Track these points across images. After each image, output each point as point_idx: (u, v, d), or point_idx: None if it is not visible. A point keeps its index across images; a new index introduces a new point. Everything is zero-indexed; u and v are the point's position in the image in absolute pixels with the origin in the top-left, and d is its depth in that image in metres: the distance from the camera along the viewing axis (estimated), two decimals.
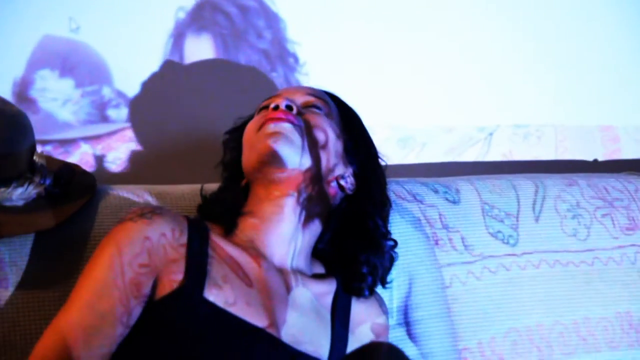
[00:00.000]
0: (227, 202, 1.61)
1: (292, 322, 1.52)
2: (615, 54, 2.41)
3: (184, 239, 1.49)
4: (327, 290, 1.60)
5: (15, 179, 1.60)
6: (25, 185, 1.61)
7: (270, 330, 1.47)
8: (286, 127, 1.56)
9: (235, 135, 1.69)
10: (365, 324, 1.61)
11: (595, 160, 2.38)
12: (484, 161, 2.36)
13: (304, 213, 1.57)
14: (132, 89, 2.10)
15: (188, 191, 1.79)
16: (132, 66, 2.09)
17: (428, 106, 2.31)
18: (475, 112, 2.34)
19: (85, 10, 2.01)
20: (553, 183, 1.96)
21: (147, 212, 1.49)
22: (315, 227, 1.60)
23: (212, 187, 1.71)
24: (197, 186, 1.73)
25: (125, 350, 1.42)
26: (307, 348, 1.50)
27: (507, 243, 1.86)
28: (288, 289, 1.54)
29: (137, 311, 1.43)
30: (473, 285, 1.83)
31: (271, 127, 1.56)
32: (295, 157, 1.55)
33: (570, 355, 1.82)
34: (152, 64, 2.11)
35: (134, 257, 1.44)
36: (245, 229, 1.57)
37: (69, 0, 2.00)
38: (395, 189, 1.87)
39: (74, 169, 1.72)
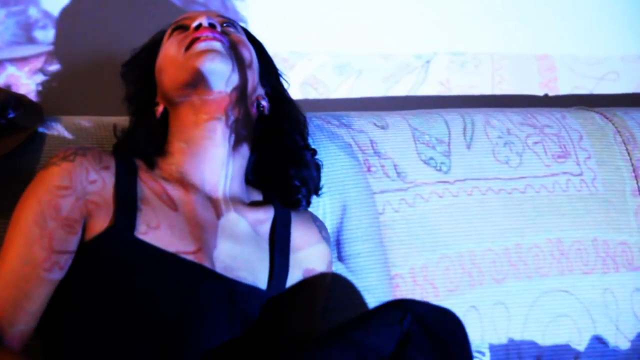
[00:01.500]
0: (145, 136, 1.58)
1: (224, 250, 1.50)
2: None
3: (111, 179, 1.47)
4: (264, 217, 1.59)
5: None
6: None
7: (201, 260, 1.46)
8: (217, 45, 1.53)
9: (134, 66, 1.66)
10: (305, 250, 1.60)
11: (546, 95, 2.39)
12: (421, 95, 2.35)
13: (233, 136, 1.55)
14: (59, 9, 2.03)
15: None
16: None
17: (365, 32, 2.29)
18: (412, 40, 2.32)
19: None
20: (480, 111, 1.96)
21: (70, 154, 1.46)
22: (244, 150, 1.58)
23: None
24: None
25: (61, 293, 1.41)
26: (241, 275, 1.49)
27: (440, 170, 1.86)
28: (218, 216, 1.53)
29: (67, 259, 1.41)
30: (406, 212, 1.83)
31: (202, 45, 1.52)
32: (226, 77, 1.52)
33: (501, 281, 1.84)
34: None
35: (57, 206, 1.42)
36: (172, 160, 1.55)
37: None
38: (323, 117, 1.86)
39: (20, 99, 1.68)
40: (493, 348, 1.80)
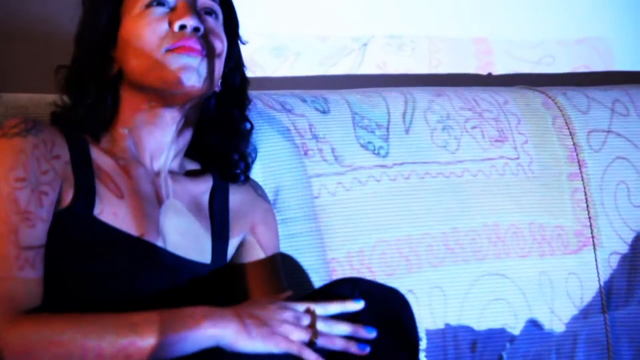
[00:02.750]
0: (94, 110, 1.53)
1: (171, 227, 1.50)
2: None
3: (66, 155, 1.45)
4: (204, 188, 1.59)
5: None
6: None
7: (154, 240, 1.46)
8: (197, 61, 1.48)
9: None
10: (245, 211, 1.61)
11: (489, 74, 2.39)
12: (358, 74, 2.34)
13: (182, 120, 1.54)
14: None
15: None
16: None
17: (302, 14, 2.27)
18: (349, 22, 2.31)
19: None
20: (423, 95, 1.95)
21: (22, 130, 1.42)
22: (190, 131, 1.57)
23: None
24: None
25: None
26: (189, 254, 1.50)
27: (378, 154, 1.86)
28: (164, 192, 1.52)
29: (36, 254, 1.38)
30: (342, 196, 1.82)
31: (183, 59, 1.47)
32: (197, 80, 1.49)
33: (438, 266, 1.84)
34: None
35: (16, 199, 1.37)
36: (117, 137, 1.53)
37: None
38: (264, 99, 1.83)
39: None
40: (429, 333, 1.81)
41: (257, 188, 1.68)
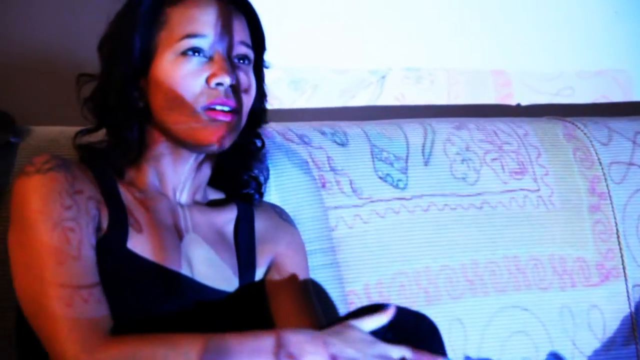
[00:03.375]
0: (124, 141, 1.51)
1: (197, 259, 1.50)
2: None
3: (96, 189, 1.45)
4: (228, 217, 1.59)
5: None
6: None
7: (182, 269, 1.47)
8: (231, 124, 1.48)
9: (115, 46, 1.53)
10: (270, 237, 1.61)
11: (519, 105, 2.39)
12: (376, 105, 2.34)
13: (204, 155, 1.54)
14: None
15: None
16: None
17: (320, 47, 2.27)
18: (367, 55, 2.32)
19: None
20: (442, 126, 1.95)
21: (54, 166, 1.41)
22: (212, 162, 1.57)
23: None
24: None
25: None
26: (216, 283, 1.50)
27: (397, 187, 1.85)
28: (184, 227, 1.52)
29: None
30: (360, 228, 1.82)
31: (217, 124, 1.46)
32: (228, 144, 1.50)
33: (457, 298, 1.83)
34: None
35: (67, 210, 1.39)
36: (141, 170, 1.52)
37: None
38: (283, 132, 1.84)
39: None
40: None
41: (281, 213, 1.67)
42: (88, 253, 1.38)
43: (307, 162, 1.82)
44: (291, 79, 2.29)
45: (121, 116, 1.49)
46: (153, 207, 1.50)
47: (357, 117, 2.05)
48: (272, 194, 1.75)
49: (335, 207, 1.81)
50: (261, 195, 1.66)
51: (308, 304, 1.60)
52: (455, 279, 1.84)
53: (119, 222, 1.44)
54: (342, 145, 1.86)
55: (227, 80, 1.46)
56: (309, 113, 2.27)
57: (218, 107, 1.46)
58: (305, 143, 1.84)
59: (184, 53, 1.47)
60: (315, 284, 1.74)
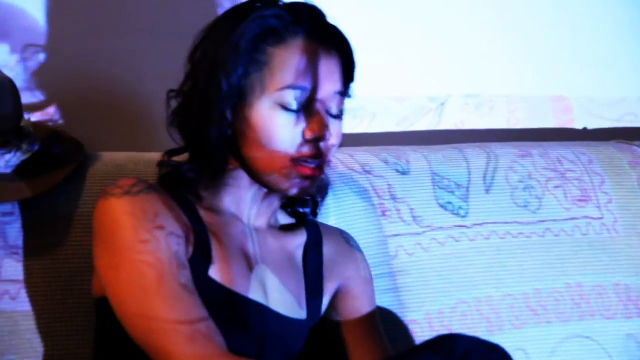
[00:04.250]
0: (210, 168, 1.49)
1: (273, 284, 1.50)
2: (567, 24, 2.39)
3: (181, 214, 1.44)
4: (298, 242, 1.59)
5: (2, 145, 1.59)
6: (13, 152, 1.60)
7: (258, 298, 1.47)
8: (317, 179, 1.47)
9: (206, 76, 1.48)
10: (337, 263, 1.61)
11: (585, 129, 2.37)
12: (438, 129, 2.34)
13: None
14: (68, 54, 2.03)
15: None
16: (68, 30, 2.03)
17: (378, 75, 2.28)
18: (426, 82, 2.32)
19: None
20: (506, 153, 1.94)
21: (144, 188, 1.42)
22: None
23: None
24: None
25: None
26: (287, 310, 1.50)
27: (457, 214, 1.85)
28: (256, 253, 1.52)
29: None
30: (420, 256, 1.81)
31: (305, 181, 1.45)
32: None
33: (520, 327, 1.82)
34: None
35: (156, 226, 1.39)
36: (218, 195, 1.51)
37: None
38: (346, 160, 1.84)
39: (61, 135, 1.71)
40: None
41: (349, 239, 1.67)
42: (190, 281, 1.38)
43: (367, 190, 1.82)
44: (350, 107, 2.29)
45: (211, 143, 1.46)
46: (228, 231, 1.49)
47: (418, 142, 2.04)
48: (332, 221, 1.76)
49: (396, 235, 1.81)
50: (315, 215, 1.65)
51: (376, 333, 1.60)
52: (518, 308, 1.82)
53: (202, 249, 1.43)
54: (404, 173, 1.86)
55: (323, 136, 1.44)
56: (368, 139, 2.28)
57: (307, 163, 1.45)
58: (367, 172, 1.84)
59: (283, 104, 1.44)
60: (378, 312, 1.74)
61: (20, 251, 1.60)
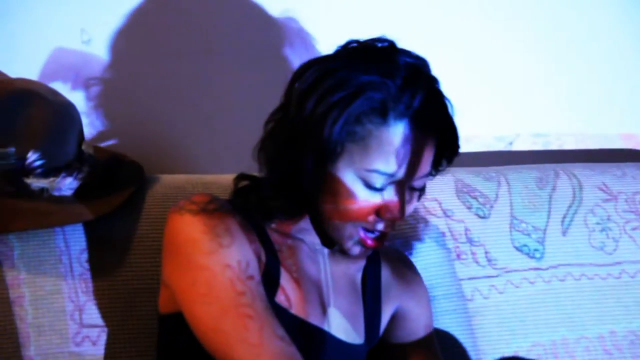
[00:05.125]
0: (284, 207, 1.48)
1: (334, 311, 1.50)
2: (636, 61, 2.37)
3: (253, 235, 1.44)
4: (359, 265, 1.58)
5: (64, 168, 1.61)
6: (74, 175, 1.62)
7: (322, 325, 1.47)
8: (380, 246, 1.47)
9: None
10: (396, 288, 1.60)
11: None
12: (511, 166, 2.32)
13: None
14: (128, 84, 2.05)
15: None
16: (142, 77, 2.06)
17: None
18: (493, 121, 2.31)
19: (97, 22, 1.99)
20: (590, 197, 1.92)
21: (220, 206, 1.42)
22: None
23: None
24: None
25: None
26: (347, 335, 1.50)
27: (533, 257, 1.84)
28: (324, 276, 1.52)
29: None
30: (496, 299, 1.81)
31: (367, 251, 1.47)
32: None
33: None
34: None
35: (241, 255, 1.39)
36: (289, 223, 1.50)
37: (80, 12, 1.98)
38: (428, 204, 1.84)
39: (121, 158, 1.74)
40: None
41: (406, 261, 1.67)
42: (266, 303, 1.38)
43: (444, 233, 1.83)
44: None
45: (295, 186, 1.43)
46: (297, 255, 1.49)
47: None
48: None
49: (471, 278, 1.81)
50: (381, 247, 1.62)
51: (433, 356, 1.60)
52: (594, 350, 1.82)
53: (271, 273, 1.43)
54: (483, 218, 1.86)
55: (398, 217, 1.42)
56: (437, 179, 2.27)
57: (372, 234, 1.44)
58: (447, 216, 1.85)
59: (368, 183, 1.40)
60: (450, 355, 1.73)
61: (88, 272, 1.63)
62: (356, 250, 1.46)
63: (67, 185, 1.62)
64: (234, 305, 1.34)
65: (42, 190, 1.59)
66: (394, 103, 1.38)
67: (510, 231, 1.85)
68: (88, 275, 1.62)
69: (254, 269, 1.39)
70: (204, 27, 2.07)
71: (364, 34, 1.47)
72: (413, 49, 1.47)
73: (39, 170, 1.58)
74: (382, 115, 1.38)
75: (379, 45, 1.43)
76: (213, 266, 1.36)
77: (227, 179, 1.71)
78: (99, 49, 2.00)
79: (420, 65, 1.42)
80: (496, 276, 1.82)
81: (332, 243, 1.50)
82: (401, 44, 1.45)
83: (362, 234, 1.44)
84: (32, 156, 1.57)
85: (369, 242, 1.44)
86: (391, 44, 1.43)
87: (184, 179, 1.77)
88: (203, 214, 1.40)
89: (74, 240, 1.64)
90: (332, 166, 1.40)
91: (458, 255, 1.81)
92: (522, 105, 2.31)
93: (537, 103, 2.31)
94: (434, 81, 1.44)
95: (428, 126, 1.41)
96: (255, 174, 1.51)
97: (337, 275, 1.54)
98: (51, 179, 1.60)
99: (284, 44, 2.10)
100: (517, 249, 1.84)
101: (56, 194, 1.61)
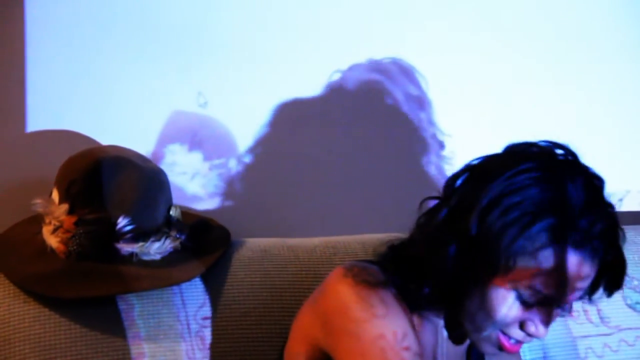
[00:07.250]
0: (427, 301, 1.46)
1: None
2: None
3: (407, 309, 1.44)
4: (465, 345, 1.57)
5: (153, 233, 1.65)
6: (163, 240, 1.66)
7: None
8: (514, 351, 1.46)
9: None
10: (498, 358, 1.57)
11: None
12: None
13: None
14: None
15: (318, 243, 1.80)
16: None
17: None
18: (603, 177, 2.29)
19: (213, 84, 2.04)
20: None
21: (378, 281, 1.42)
22: None
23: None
24: (327, 238, 1.76)
25: None
26: None
27: None
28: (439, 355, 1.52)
29: None
30: (610, 358, 1.80)
31: (503, 350, 1.44)
32: None
33: None
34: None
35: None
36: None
37: (197, 75, 2.04)
38: None
39: (209, 222, 1.78)
40: None
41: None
42: None
43: None
44: None
45: (450, 287, 1.41)
46: (422, 333, 1.48)
47: None
48: None
49: (584, 337, 1.79)
50: None
51: None
52: None
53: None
54: None
55: (541, 335, 1.41)
56: None
57: (512, 339, 1.42)
58: None
59: (522, 298, 1.38)
60: None
61: None
62: (489, 349, 1.44)
63: (155, 249, 1.66)
64: None
65: (132, 254, 1.64)
66: (572, 229, 1.34)
67: (623, 289, 1.82)
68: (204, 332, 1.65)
69: (412, 341, 1.39)
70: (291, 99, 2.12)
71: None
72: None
73: (128, 235, 1.63)
74: (559, 239, 1.34)
75: (560, 157, 1.40)
76: (365, 335, 1.37)
77: (311, 242, 1.75)
78: (215, 111, 2.06)
79: (600, 188, 1.40)
80: (610, 334, 1.80)
81: (461, 339, 1.48)
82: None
83: (500, 336, 1.42)
84: (122, 221, 1.62)
85: (507, 345, 1.42)
86: (575, 158, 1.41)
87: (268, 242, 1.81)
88: (362, 286, 1.40)
89: (190, 298, 1.68)
90: (490, 272, 1.37)
91: (571, 314, 1.79)
92: (630, 161, 2.29)
93: None
94: (611, 207, 1.40)
95: (599, 257, 1.37)
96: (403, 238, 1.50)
97: (453, 355, 1.53)
98: (140, 243, 1.64)
99: (365, 109, 2.14)
100: (630, 306, 1.83)
101: (145, 258, 1.65)
